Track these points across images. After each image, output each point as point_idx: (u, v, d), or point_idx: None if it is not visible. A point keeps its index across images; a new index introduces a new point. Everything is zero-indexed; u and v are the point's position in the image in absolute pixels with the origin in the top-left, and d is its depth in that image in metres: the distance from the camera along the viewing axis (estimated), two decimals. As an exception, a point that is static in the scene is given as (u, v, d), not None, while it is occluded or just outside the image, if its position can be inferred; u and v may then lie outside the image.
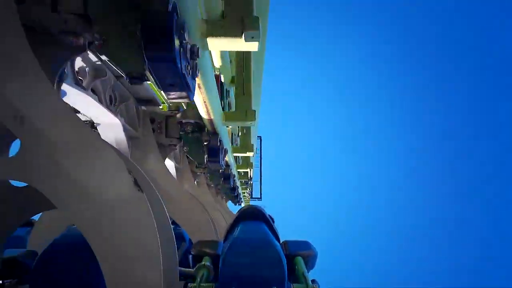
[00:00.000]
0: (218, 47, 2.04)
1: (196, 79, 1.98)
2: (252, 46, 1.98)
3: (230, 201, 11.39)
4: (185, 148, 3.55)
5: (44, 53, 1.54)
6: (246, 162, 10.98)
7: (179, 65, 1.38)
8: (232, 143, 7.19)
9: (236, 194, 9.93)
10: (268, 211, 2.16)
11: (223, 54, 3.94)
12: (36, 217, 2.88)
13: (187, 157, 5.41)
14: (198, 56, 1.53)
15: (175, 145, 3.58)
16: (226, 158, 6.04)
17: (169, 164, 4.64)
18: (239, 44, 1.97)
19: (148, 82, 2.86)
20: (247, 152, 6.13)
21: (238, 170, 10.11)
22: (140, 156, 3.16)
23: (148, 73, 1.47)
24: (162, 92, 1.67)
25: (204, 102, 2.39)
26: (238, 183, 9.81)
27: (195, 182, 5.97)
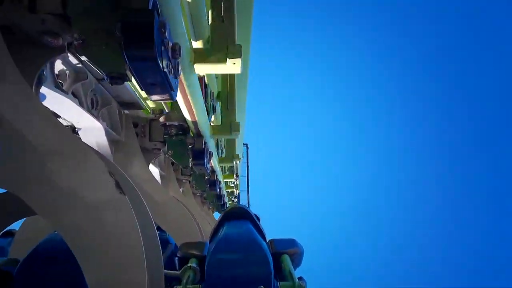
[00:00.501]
0: (205, 71, 2.25)
1: (180, 80, 1.98)
2: (235, 70, 2.19)
3: (217, 212, 11.31)
4: (169, 152, 3.52)
5: (22, 54, 1.51)
6: (232, 172, 10.97)
7: (161, 64, 1.37)
8: (218, 155, 7.21)
9: (222, 202, 9.86)
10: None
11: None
12: (17, 227, 2.83)
13: (172, 164, 5.38)
14: (179, 55, 1.52)
15: (159, 149, 3.54)
16: (212, 164, 6.03)
17: (154, 171, 4.59)
18: (223, 69, 2.20)
19: (130, 83, 2.84)
20: (233, 161, 6.18)
21: (225, 180, 10.06)
22: (123, 160, 3.12)
23: (129, 73, 1.46)
24: (143, 92, 1.67)
25: (188, 103, 2.38)
26: (224, 191, 9.77)
27: (181, 190, 5.93)
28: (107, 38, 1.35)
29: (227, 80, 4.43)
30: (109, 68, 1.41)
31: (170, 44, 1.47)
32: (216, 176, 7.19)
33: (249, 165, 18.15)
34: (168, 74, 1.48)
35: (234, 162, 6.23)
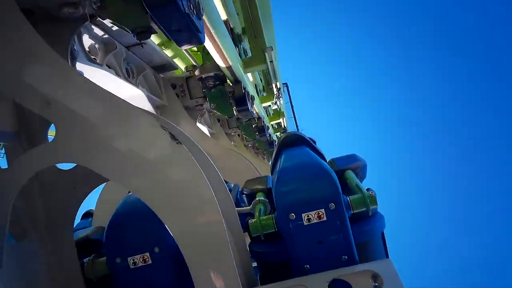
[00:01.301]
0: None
1: (205, 22, 1.93)
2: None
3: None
4: (211, 105, 3.54)
5: (49, 33, 1.53)
6: (278, 113, 10.84)
7: (181, 5, 1.33)
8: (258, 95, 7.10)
9: (275, 149, 9.86)
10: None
11: (228, 6, 3.84)
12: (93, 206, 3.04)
13: (218, 120, 5.44)
14: (197, -9, 1.47)
15: (201, 105, 3.57)
16: (256, 109, 6.02)
17: (202, 129, 4.68)
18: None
19: (159, 46, 2.83)
20: (274, 98, 6.04)
21: (271, 122, 10.00)
22: (172, 122, 3.19)
23: (153, 25, 1.44)
24: (174, 53, 1.64)
25: (218, 47, 2.34)
26: (274, 137, 9.78)
27: (232, 144, 6.02)
28: (124, -7, 1.33)
29: (248, 8, 4.09)
30: (133, 23, 1.40)
31: (186, -17, 1.42)
32: (263, 121, 7.21)
33: (292, 103, 17.64)
34: (191, 15, 1.43)
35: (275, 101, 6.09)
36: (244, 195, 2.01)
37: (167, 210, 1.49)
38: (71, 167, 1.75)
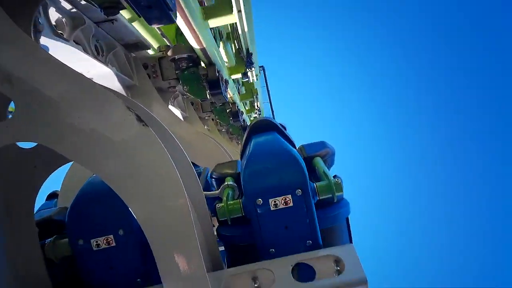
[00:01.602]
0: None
1: (177, 0, 1.88)
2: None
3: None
4: (184, 87, 3.48)
5: (11, 3, 1.45)
6: (250, 90, 10.53)
7: (151, -20, 1.29)
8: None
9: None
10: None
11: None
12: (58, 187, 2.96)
13: (192, 104, 5.35)
14: (169, -32, 1.42)
15: (174, 87, 3.50)
16: (230, 93, 5.95)
17: (175, 112, 4.60)
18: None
19: (131, 24, 2.74)
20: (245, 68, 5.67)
21: (243, 100, 9.72)
22: (142, 104, 3.11)
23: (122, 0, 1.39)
24: (147, 30, 1.58)
25: (192, 27, 2.29)
26: (248, 121, 9.68)
27: (205, 128, 5.95)
28: (90, -36, 1.27)
29: None
30: (100, -3, 1.34)
31: (157, -42, 1.37)
32: (237, 107, 7.17)
33: (269, 88, 17.33)
34: (162, -8, 1.39)
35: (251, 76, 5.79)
36: (213, 179, 2.00)
37: (131, 193, 1.46)
38: (32, 146, 1.69)
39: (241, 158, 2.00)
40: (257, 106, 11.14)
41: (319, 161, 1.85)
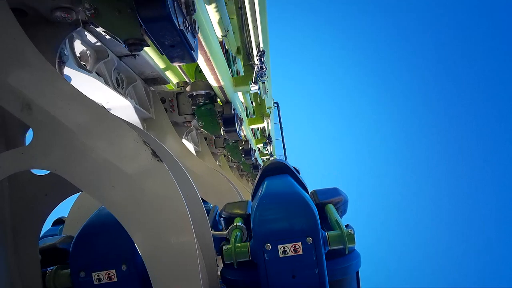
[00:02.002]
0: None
1: (199, 40, 1.93)
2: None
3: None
4: (199, 123, 3.51)
5: (38, 35, 1.51)
6: (264, 136, 10.70)
7: (176, 22, 1.32)
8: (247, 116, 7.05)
9: (260, 171, 9.74)
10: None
11: (224, 22, 3.81)
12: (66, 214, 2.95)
13: (205, 139, 5.40)
14: (194, 10, 1.46)
15: (189, 122, 3.54)
16: (244, 132, 5.99)
17: (188, 146, 4.63)
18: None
19: (152, 59, 2.82)
20: (265, 120, 5.93)
21: (258, 145, 9.90)
22: (157, 137, 3.15)
23: (146, 38, 1.42)
24: (166, 66, 1.61)
25: (212, 66, 2.33)
26: (260, 160, 9.69)
27: (217, 164, 5.96)
28: (118, 3, 1.31)
29: (244, 25, 3.98)
30: (125, 34, 1.38)
31: (183, 0, 1.42)
32: (250, 144, 7.19)
33: (282, 125, 17.14)
34: (186, 32, 1.43)
35: (265, 121, 5.96)
36: (222, 218, 1.96)
37: (137, 224, 1.44)
38: (45, 173, 1.69)
39: (252, 199, 1.97)
40: (267, 132, 11.19)
41: (331, 209, 1.80)
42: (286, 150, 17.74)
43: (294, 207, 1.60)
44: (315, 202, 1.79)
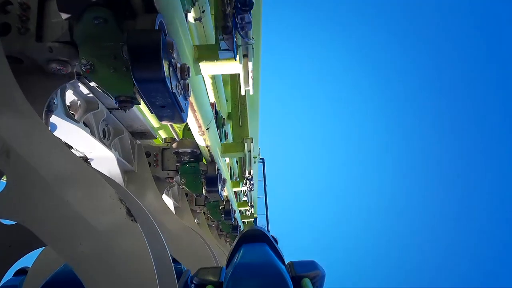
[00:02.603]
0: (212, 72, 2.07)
1: (190, 101, 1.96)
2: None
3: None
4: (182, 180, 3.48)
5: (31, 83, 1.51)
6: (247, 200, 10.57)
7: (169, 85, 1.35)
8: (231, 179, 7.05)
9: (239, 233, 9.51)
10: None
11: (219, 91, 3.98)
12: (29, 263, 2.78)
13: (186, 195, 5.32)
14: (188, 75, 1.50)
15: (172, 178, 3.50)
16: (226, 192, 5.94)
17: (168, 202, 4.54)
18: (231, 68, 1.99)
19: (142, 113, 2.84)
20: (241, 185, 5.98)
21: (240, 208, 9.77)
22: (136, 190, 3.08)
23: (138, 96, 1.44)
24: (155, 121, 1.63)
25: (200, 127, 2.35)
26: (240, 222, 9.50)
27: (196, 222, 5.83)
28: (115, 61, 1.34)
29: (238, 95, 4.32)
30: (117, 91, 1.39)
31: (179, 65, 1.46)
32: (231, 205, 7.08)
33: (266, 183, 16.41)
34: (178, 95, 1.45)
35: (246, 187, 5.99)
36: (193, 285, 1.86)
37: (100, 285, 1.35)
38: (11, 223, 1.61)
39: (227, 265, 1.89)
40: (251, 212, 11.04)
41: (308, 284, 1.73)
42: (268, 209, 17.11)
43: (268, 279, 1.54)
44: (291, 275, 1.72)
